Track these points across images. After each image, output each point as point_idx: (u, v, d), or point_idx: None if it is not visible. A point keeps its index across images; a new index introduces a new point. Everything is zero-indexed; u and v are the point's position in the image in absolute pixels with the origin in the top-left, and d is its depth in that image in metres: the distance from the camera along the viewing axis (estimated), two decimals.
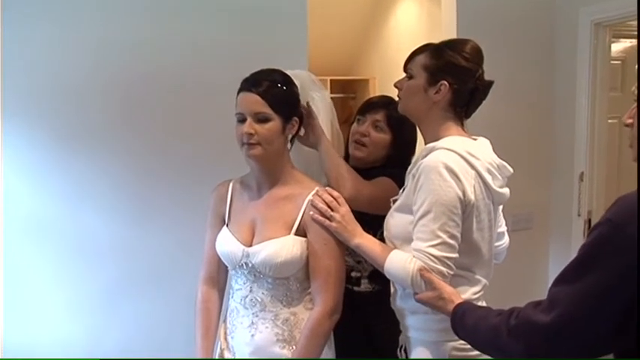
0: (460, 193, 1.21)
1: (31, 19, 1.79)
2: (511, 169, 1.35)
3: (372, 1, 3.85)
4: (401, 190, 1.36)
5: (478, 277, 1.32)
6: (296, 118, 1.39)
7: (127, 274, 1.93)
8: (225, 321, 1.44)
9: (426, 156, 1.26)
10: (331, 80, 3.94)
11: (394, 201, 1.37)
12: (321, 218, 1.33)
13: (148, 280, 1.96)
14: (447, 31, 2.37)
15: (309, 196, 1.35)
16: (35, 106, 1.82)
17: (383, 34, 3.97)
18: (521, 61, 2.43)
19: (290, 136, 1.39)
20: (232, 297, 1.42)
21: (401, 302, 1.36)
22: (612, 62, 2.51)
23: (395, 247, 1.32)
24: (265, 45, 1.99)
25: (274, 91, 1.33)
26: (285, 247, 1.32)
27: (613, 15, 2.26)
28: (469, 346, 1.16)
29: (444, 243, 1.20)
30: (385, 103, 1.66)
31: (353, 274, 1.62)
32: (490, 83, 1.33)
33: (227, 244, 1.39)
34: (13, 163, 1.82)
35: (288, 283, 1.35)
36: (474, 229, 1.26)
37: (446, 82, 1.29)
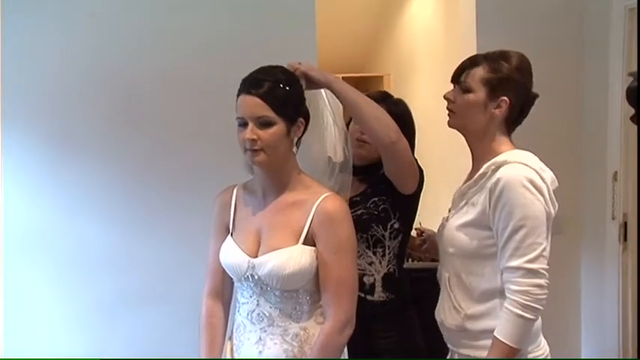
0: (545, 207, 1.29)
1: (29, 24, 1.82)
2: (557, 183, 1.39)
3: None
4: (461, 204, 1.38)
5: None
6: (301, 119, 1.36)
7: (129, 286, 1.94)
8: (231, 337, 1.43)
9: (496, 170, 1.30)
10: (343, 77, 3.90)
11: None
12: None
13: (151, 294, 1.96)
14: (465, 26, 2.32)
15: (318, 202, 1.32)
16: (32, 111, 1.86)
17: (397, 28, 3.94)
18: (548, 53, 2.35)
19: (296, 139, 1.36)
20: (238, 311, 1.40)
21: (471, 324, 1.35)
22: None
23: (461, 264, 1.36)
24: (272, 41, 1.98)
25: (276, 92, 1.29)
26: (293, 257, 1.29)
27: None
28: None
29: (541, 256, 1.27)
30: (382, 97, 1.69)
31: (365, 279, 1.61)
32: (536, 96, 1.40)
33: (231, 255, 1.37)
34: (11, 172, 1.83)
35: (297, 295, 1.32)
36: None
37: (506, 98, 1.35)
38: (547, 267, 1.29)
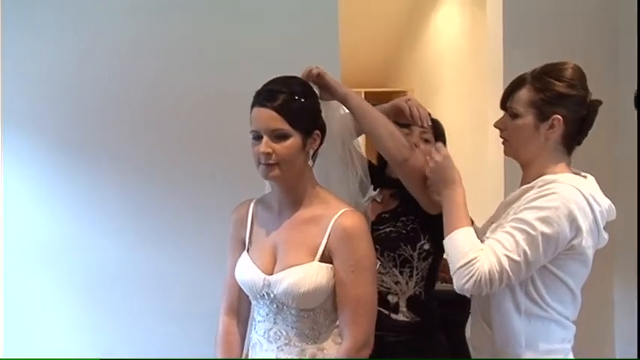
0: (569, 237, 1.25)
1: (34, 27, 1.84)
2: (615, 214, 1.36)
3: (408, 6, 3.84)
4: (503, 215, 1.36)
5: (571, 323, 1.35)
6: (317, 132, 1.36)
7: (139, 302, 1.94)
8: (247, 356, 1.42)
9: (543, 186, 1.28)
10: (366, 92, 3.94)
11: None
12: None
13: (163, 311, 1.96)
14: (493, 38, 2.30)
15: (335, 218, 1.31)
16: (37, 116, 1.86)
17: (421, 41, 3.94)
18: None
19: (312, 152, 1.36)
20: (255, 329, 1.39)
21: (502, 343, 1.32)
22: None
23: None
24: (292, 53, 1.99)
25: (292, 104, 1.30)
26: (309, 275, 1.29)
27: None
28: None
29: (519, 263, 1.23)
30: None
31: (390, 297, 1.59)
32: (599, 103, 1.35)
33: (247, 272, 1.37)
34: (14, 178, 1.84)
35: (314, 315, 1.32)
36: (581, 275, 1.31)
37: (558, 116, 1.31)
38: (513, 278, 1.24)
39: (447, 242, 1.32)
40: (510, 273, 1.23)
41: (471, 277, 1.24)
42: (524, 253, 1.23)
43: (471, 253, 1.25)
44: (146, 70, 1.92)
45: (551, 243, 1.24)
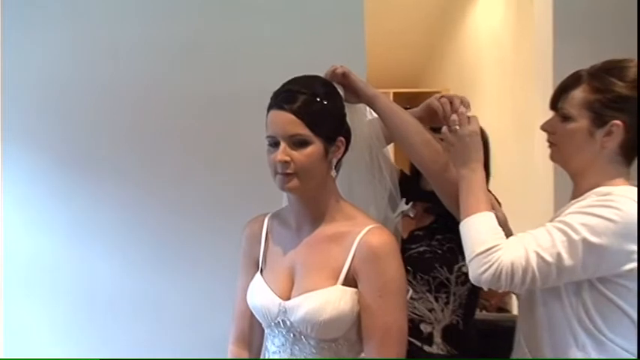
0: (621, 260, 1.22)
1: (32, 36, 1.91)
2: None
3: None
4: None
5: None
6: (342, 138, 1.35)
7: (143, 330, 1.96)
8: None
9: (600, 196, 1.25)
10: (394, 93, 3.94)
11: None
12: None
13: (168, 339, 1.97)
14: (541, 32, 2.27)
15: (360, 236, 1.30)
16: (36, 130, 1.93)
17: (458, 35, 3.93)
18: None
19: (335, 161, 1.36)
20: None
21: None
22: None
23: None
24: (313, 51, 2.02)
25: (313, 107, 1.30)
26: (331, 301, 1.28)
27: None
28: None
29: (549, 265, 1.20)
30: None
31: (423, 327, 1.59)
32: None
33: (260, 296, 1.37)
34: (12, 198, 1.90)
35: (336, 345, 1.31)
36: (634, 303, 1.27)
37: (618, 121, 1.27)
38: (539, 280, 1.22)
39: (463, 226, 1.30)
40: (537, 273, 1.20)
41: (491, 265, 1.22)
42: (559, 256, 1.20)
43: (492, 240, 1.24)
44: (150, 74, 1.97)
45: (593, 254, 1.20)
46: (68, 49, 1.92)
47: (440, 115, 1.44)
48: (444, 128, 1.37)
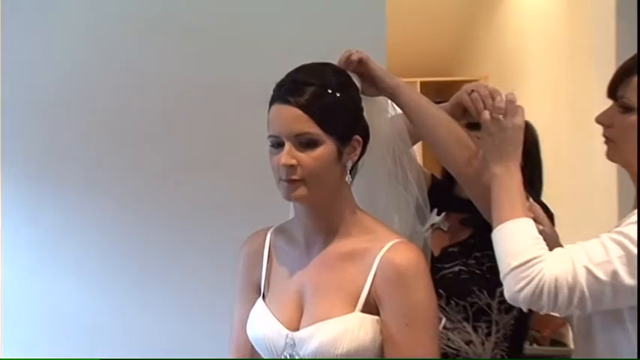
0: None
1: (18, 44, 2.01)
2: None
3: None
4: None
5: None
6: (358, 137, 1.36)
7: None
8: None
9: None
10: (422, 83, 3.95)
11: None
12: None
13: None
14: (599, 8, 2.27)
15: (382, 253, 1.31)
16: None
17: (498, 15, 3.95)
18: None
19: (350, 164, 1.36)
20: None
21: None
22: None
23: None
24: (324, 34, 2.02)
25: (324, 100, 1.30)
26: (348, 331, 1.28)
27: None
28: None
29: (602, 284, 1.20)
30: None
31: None
32: None
33: (263, 326, 1.38)
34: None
35: None
36: None
37: None
38: (588, 300, 1.21)
39: (496, 235, 1.31)
40: (587, 292, 1.21)
41: (530, 281, 1.22)
42: (615, 273, 1.20)
43: (532, 251, 1.24)
44: (147, 73, 2.04)
45: None
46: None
47: (472, 114, 1.45)
48: (486, 113, 1.37)
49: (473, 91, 1.44)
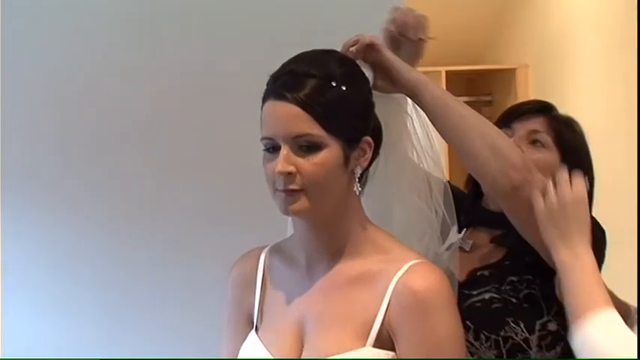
0: None
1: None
2: None
3: None
4: None
5: None
6: (368, 139, 1.36)
7: None
8: None
9: None
10: (448, 73, 3.96)
11: None
12: None
13: None
14: None
15: (398, 277, 1.31)
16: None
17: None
18: None
19: (359, 171, 1.36)
20: None
21: None
22: None
23: None
24: (329, 15, 2.05)
25: (327, 95, 1.30)
26: None
27: None
28: None
29: None
30: (544, 107, 1.75)
31: None
32: None
33: None
34: None
35: None
36: None
37: None
38: None
39: (577, 339, 1.30)
40: None
41: None
42: None
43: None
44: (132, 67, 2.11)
45: None
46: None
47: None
48: (539, 197, 1.38)
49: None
